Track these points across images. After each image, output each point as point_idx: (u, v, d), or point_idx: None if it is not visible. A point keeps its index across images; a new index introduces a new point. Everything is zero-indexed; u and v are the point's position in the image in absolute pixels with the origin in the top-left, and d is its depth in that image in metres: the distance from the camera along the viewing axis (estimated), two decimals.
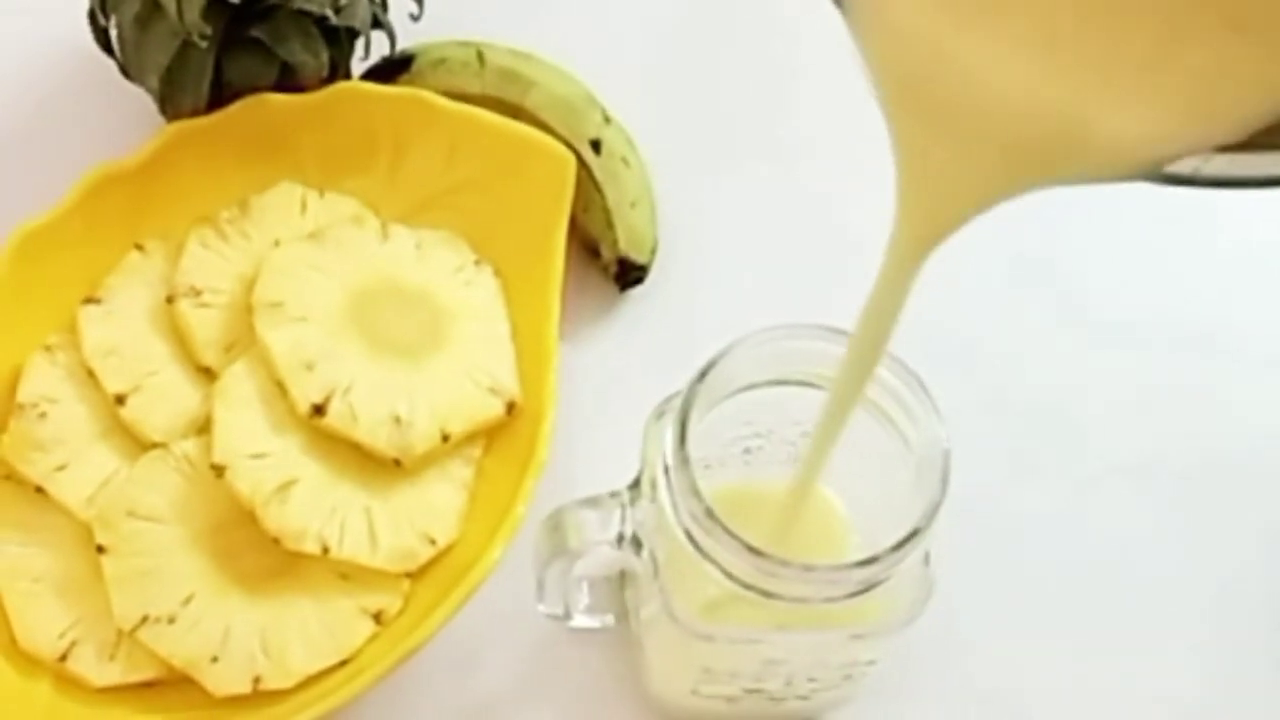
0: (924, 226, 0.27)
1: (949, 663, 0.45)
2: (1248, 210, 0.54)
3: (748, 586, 0.34)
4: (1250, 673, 0.46)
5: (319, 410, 0.43)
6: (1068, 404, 0.50)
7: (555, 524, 0.38)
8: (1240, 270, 0.53)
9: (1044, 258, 0.53)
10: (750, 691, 0.40)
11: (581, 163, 0.49)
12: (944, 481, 0.33)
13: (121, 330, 0.46)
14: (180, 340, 0.46)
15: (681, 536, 0.34)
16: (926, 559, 0.36)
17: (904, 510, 0.34)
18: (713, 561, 0.34)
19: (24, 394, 0.45)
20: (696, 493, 0.33)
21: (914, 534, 0.33)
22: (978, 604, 0.46)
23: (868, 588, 0.34)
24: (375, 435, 0.44)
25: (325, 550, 0.42)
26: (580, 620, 0.43)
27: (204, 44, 0.46)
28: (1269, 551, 0.48)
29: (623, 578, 0.43)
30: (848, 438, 0.34)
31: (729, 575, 0.34)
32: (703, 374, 0.35)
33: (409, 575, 0.43)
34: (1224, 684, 0.46)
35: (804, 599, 0.34)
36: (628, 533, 0.38)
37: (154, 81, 0.48)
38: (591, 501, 0.38)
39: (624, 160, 0.50)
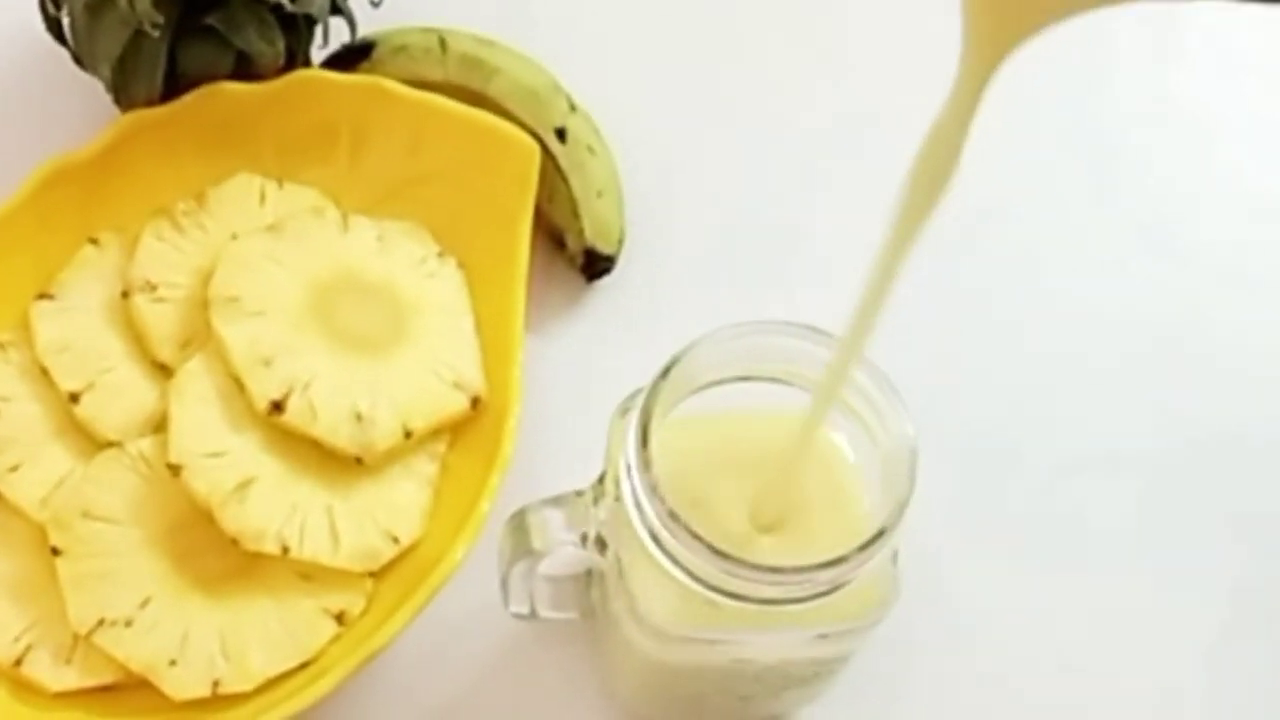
0: (993, 43, 0.26)
1: (920, 658, 0.45)
2: (1219, 206, 0.54)
3: (712, 588, 0.33)
4: (1232, 655, 0.46)
5: (278, 407, 0.43)
6: (1048, 396, 0.50)
7: (519, 524, 0.38)
8: (1212, 264, 0.53)
9: (1016, 252, 0.52)
10: (718, 690, 0.39)
11: (546, 152, 0.48)
12: (911, 480, 0.32)
13: (75, 326, 0.45)
14: (135, 336, 0.45)
15: (645, 537, 0.34)
16: (895, 558, 0.35)
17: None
18: (677, 563, 0.33)
19: None
20: (659, 494, 0.32)
21: (881, 533, 0.32)
22: (949, 599, 0.45)
23: (835, 588, 0.33)
24: (336, 432, 0.43)
25: (285, 550, 0.41)
26: (547, 614, 0.43)
27: (156, 33, 0.45)
28: (1243, 538, 0.48)
29: (589, 576, 0.42)
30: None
31: (693, 576, 0.33)
32: (666, 371, 0.34)
33: (372, 574, 0.43)
34: (1205, 667, 0.46)
35: (770, 600, 0.33)
36: (592, 532, 0.37)
37: (107, 71, 0.47)
38: (556, 500, 0.38)
39: (590, 149, 0.49)
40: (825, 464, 0.37)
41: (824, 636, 0.36)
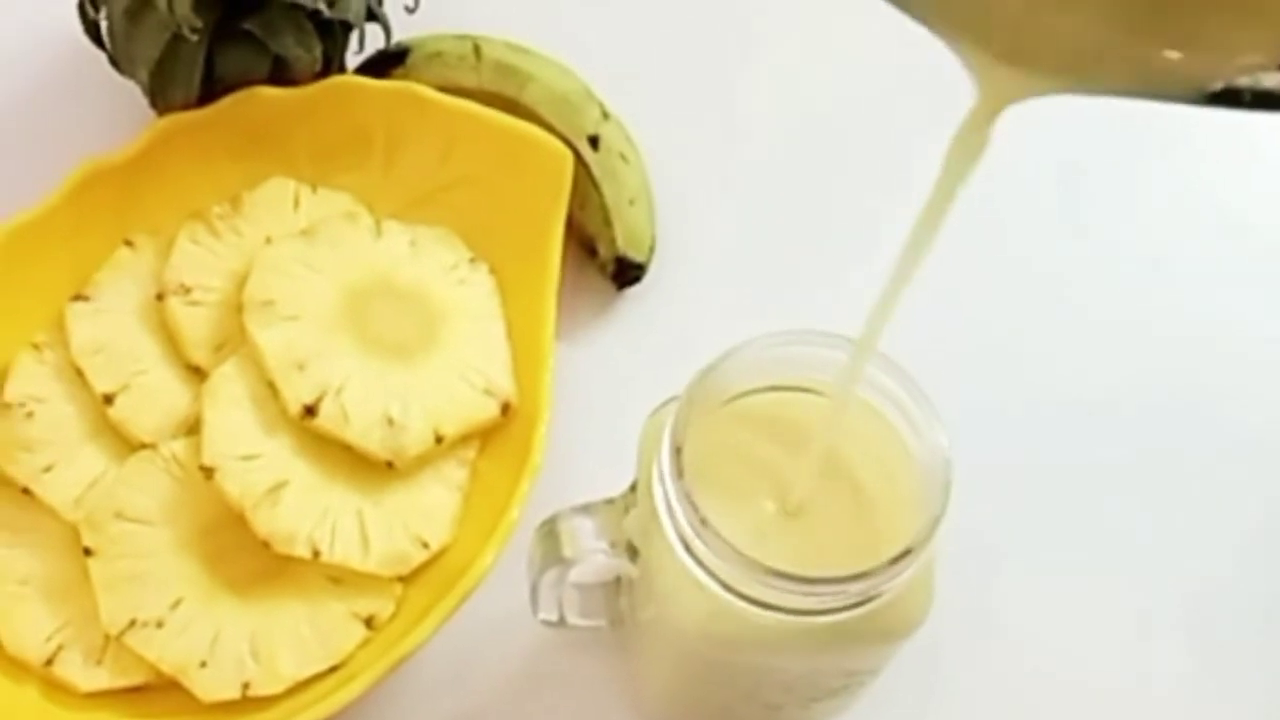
0: (1000, 100, 0.27)
1: (951, 671, 0.44)
2: (1240, 205, 0.54)
3: (743, 596, 0.33)
4: (1244, 666, 0.46)
5: (310, 411, 0.43)
6: (1062, 400, 0.49)
7: (549, 531, 0.38)
8: (1233, 265, 0.53)
9: (1034, 253, 0.52)
10: (747, 700, 0.39)
11: (579, 159, 0.48)
12: (946, 493, 0.32)
13: (110, 328, 0.45)
14: (170, 339, 0.45)
15: (677, 545, 0.34)
16: (929, 569, 0.35)
17: None
18: (708, 571, 0.33)
19: (11, 393, 0.44)
20: (692, 502, 0.32)
21: (914, 547, 0.32)
22: (981, 611, 0.45)
23: (867, 599, 0.33)
24: (368, 437, 0.43)
25: (316, 554, 0.41)
26: (576, 622, 0.43)
27: (194, 37, 0.45)
28: (1261, 541, 0.48)
29: (618, 584, 0.42)
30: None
31: (725, 585, 0.33)
32: (699, 380, 0.34)
33: (401, 579, 0.43)
34: (1218, 674, 0.45)
35: (801, 610, 0.33)
36: (623, 540, 0.37)
37: (144, 74, 0.47)
38: (586, 508, 0.38)
39: (622, 157, 0.49)
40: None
41: (855, 647, 0.35)
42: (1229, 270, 0.53)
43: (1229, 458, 0.49)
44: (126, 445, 0.44)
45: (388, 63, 0.50)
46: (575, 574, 0.39)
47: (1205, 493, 0.48)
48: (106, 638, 0.41)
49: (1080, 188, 0.54)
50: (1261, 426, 0.50)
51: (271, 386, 0.43)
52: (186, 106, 0.48)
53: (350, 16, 0.48)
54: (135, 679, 0.41)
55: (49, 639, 0.41)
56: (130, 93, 0.49)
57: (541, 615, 0.41)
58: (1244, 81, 0.21)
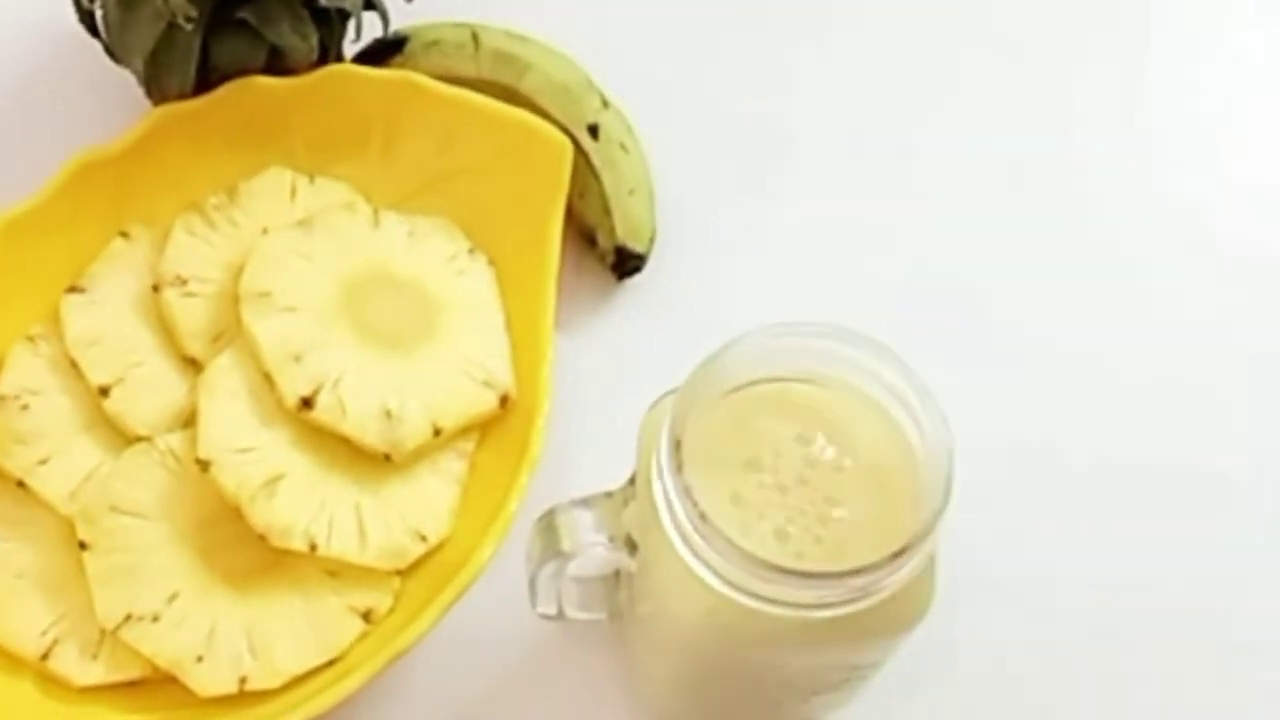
0: None
1: (947, 663, 0.44)
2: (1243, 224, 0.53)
3: (743, 591, 0.33)
4: (1250, 668, 0.45)
5: (307, 403, 0.42)
6: (1069, 403, 0.49)
7: (548, 524, 0.37)
8: (1242, 273, 0.52)
9: (1039, 250, 0.52)
10: (747, 694, 0.39)
11: (579, 148, 0.48)
12: (948, 487, 0.32)
13: (105, 320, 0.45)
14: (166, 330, 0.45)
15: (676, 539, 0.33)
16: (931, 564, 0.34)
17: None
18: (707, 565, 0.33)
19: (6, 385, 0.44)
20: (691, 495, 0.32)
21: (915, 542, 0.32)
22: (976, 604, 0.45)
23: (868, 594, 0.32)
24: (365, 429, 0.43)
25: (313, 547, 0.41)
26: (574, 615, 0.42)
27: (190, 26, 0.45)
28: (1266, 539, 0.47)
29: (617, 577, 0.42)
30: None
31: (724, 579, 0.33)
32: (700, 372, 0.34)
33: (399, 573, 0.43)
34: (1222, 682, 0.45)
35: (801, 604, 0.33)
36: (622, 533, 0.37)
37: (139, 64, 0.47)
38: (585, 501, 0.37)
39: (622, 146, 0.49)
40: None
41: (856, 642, 0.35)
42: (1238, 268, 0.52)
43: (1236, 455, 0.49)
44: (122, 438, 0.43)
45: (385, 51, 0.50)
46: (574, 567, 0.39)
47: (1212, 489, 0.48)
48: (102, 632, 0.41)
49: (1078, 184, 0.54)
50: (1268, 425, 0.49)
51: (268, 378, 0.43)
52: (182, 96, 0.47)
53: (347, 5, 0.48)
54: (131, 673, 0.41)
55: (44, 633, 0.41)
56: (125, 82, 0.49)
57: (540, 609, 0.41)
58: None
